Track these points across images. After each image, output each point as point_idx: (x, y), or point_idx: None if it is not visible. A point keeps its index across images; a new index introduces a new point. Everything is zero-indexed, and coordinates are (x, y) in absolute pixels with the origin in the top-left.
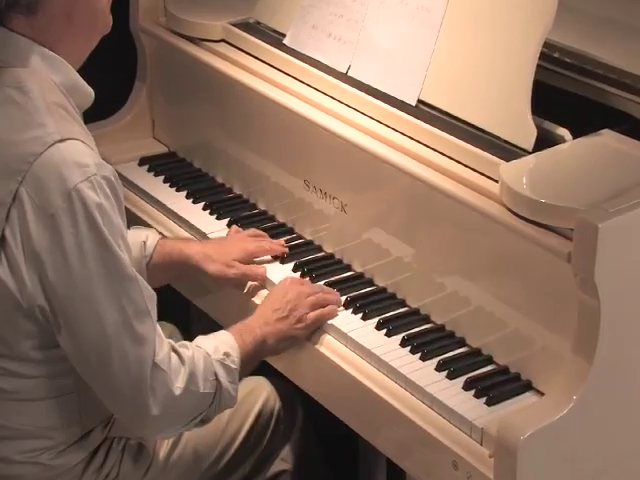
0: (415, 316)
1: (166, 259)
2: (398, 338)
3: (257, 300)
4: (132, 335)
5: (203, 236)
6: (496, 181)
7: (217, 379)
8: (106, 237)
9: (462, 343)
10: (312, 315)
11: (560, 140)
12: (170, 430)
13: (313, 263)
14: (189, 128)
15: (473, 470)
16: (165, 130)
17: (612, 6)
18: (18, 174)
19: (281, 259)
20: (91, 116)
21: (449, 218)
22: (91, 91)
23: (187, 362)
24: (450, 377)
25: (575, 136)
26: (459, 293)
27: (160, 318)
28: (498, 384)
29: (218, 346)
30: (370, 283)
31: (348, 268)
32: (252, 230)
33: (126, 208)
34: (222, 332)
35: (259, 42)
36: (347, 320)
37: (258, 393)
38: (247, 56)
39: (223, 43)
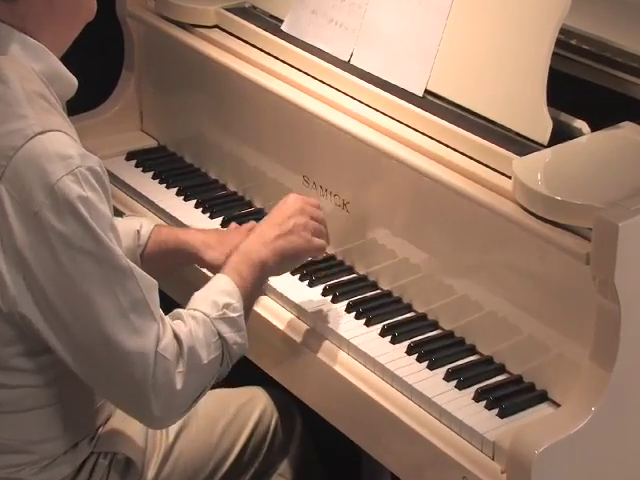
0: (422, 322)
1: (162, 247)
2: (404, 345)
3: None
4: (131, 328)
5: None
6: (509, 177)
7: (221, 337)
8: (96, 231)
9: (472, 351)
10: (314, 225)
11: (577, 133)
12: (183, 410)
13: (313, 265)
14: (180, 120)
15: None
16: (154, 122)
17: None
18: None
19: None
20: (75, 107)
21: (458, 217)
22: (74, 80)
23: (184, 340)
24: (460, 387)
25: (593, 129)
26: (469, 297)
27: None
28: (511, 394)
29: (216, 300)
30: (374, 286)
31: (350, 270)
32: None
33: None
34: (217, 277)
35: (255, 28)
36: (349, 326)
37: (254, 404)
38: (242, 43)
39: (216, 29)
